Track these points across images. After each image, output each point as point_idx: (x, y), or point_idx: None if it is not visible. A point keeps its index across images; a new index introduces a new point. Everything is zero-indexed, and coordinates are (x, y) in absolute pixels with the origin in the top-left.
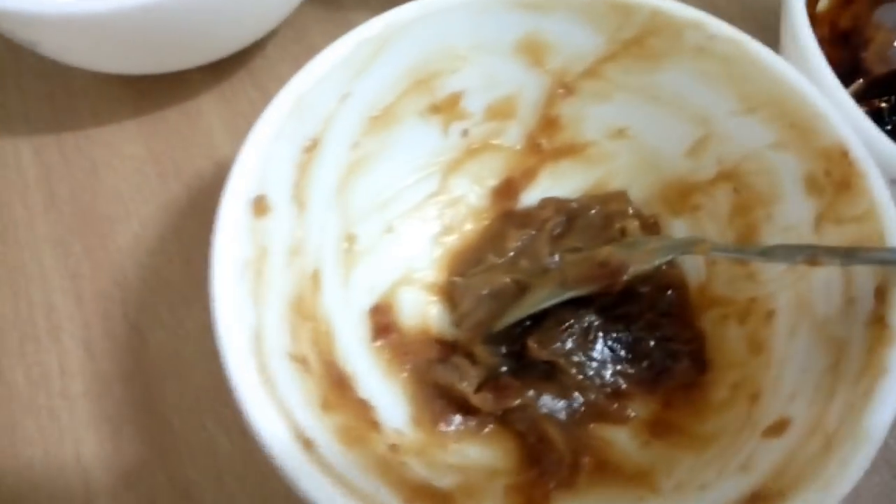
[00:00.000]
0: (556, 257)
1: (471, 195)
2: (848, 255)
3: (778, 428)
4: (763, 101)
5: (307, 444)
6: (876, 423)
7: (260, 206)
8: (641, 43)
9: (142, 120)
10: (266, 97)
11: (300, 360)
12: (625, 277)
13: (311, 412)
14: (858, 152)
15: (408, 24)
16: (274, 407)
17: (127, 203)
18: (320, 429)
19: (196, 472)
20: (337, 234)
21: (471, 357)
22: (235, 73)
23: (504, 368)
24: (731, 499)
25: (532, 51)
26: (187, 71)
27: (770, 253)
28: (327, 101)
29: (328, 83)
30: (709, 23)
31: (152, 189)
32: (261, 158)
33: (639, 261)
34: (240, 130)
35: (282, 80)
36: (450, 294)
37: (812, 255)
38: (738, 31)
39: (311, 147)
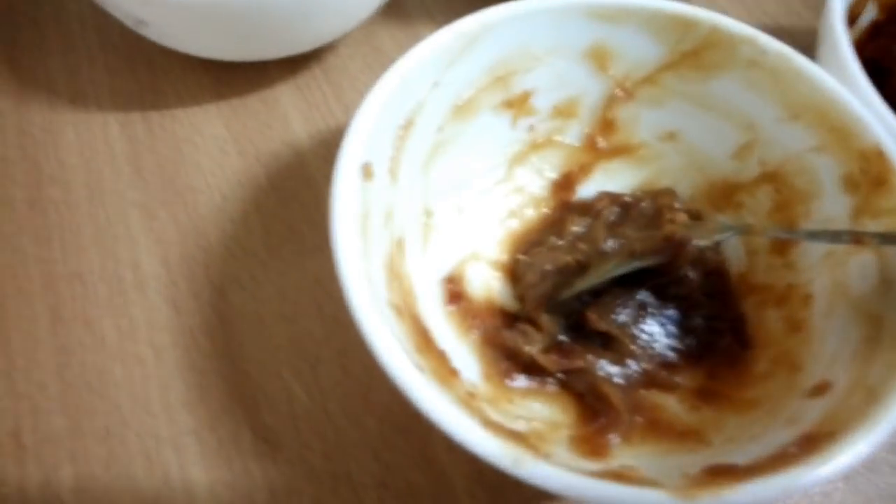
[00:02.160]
0: (611, 242)
1: (533, 185)
2: (886, 237)
3: (820, 389)
4: (806, 109)
5: (420, 368)
6: None
7: (367, 171)
8: (698, 55)
9: (222, 104)
10: (337, 92)
11: (397, 309)
12: (691, 245)
13: (410, 349)
14: (893, 152)
15: (497, 24)
16: (391, 335)
17: (208, 177)
18: (420, 364)
19: (273, 419)
20: (418, 208)
21: (534, 325)
22: (310, 69)
23: (562, 338)
24: (783, 443)
25: (599, 57)
26: (265, 63)
27: (818, 235)
28: (422, 87)
29: (425, 69)
30: (761, 39)
31: (233, 166)
32: (369, 129)
33: (700, 236)
34: (314, 119)
35: (352, 78)
36: (513, 270)
37: (855, 235)
38: (786, 47)
39: (406, 126)
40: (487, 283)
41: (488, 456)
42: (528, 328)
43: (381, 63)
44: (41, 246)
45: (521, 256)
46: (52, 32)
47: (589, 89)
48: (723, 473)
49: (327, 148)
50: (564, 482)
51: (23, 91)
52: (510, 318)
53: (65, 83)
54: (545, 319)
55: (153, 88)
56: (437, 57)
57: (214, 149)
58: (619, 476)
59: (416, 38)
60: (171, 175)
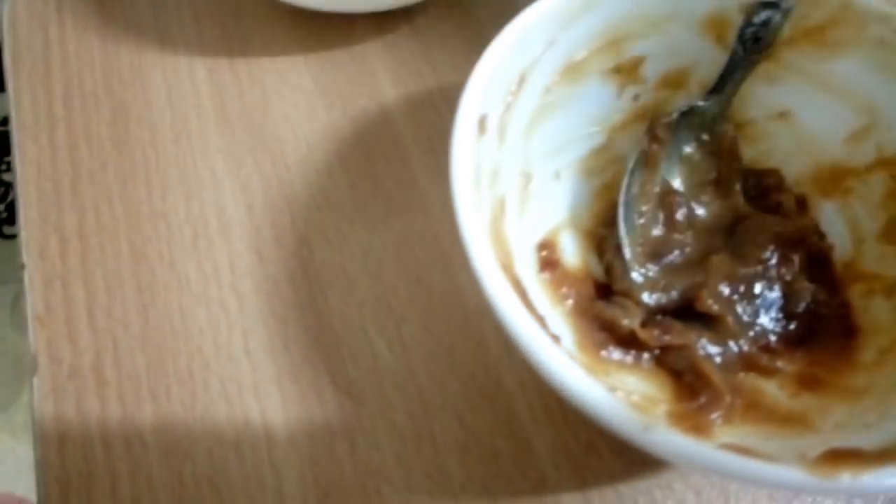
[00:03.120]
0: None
1: (631, 156)
2: None
3: None
4: None
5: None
6: None
7: (482, 126)
8: (823, 31)
9: (310, 56)
10: (426, 51)
11: (503, 267)
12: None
13: None
14: None
15: None
16: (514, 295)
17: (295, 128)
18: None
19: (356, 373)
20: (519, 170)
21: (630, 298)
22: (399, 26)
23: (659, 316)
24: None
25: (717, 27)
26: (353, 17)
27: None
28: (539, 44)
29: (544, 26)
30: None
31: (320, 119)
32: (487, 83)
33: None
34: (401, 77)
35: (441, 39)
36: (598, 244)
37: None
38: None
39: (518, 83)
40: (581, 252)
41: (615, 421)
42: (625, 301)
43: (470, 26)
44: (126, 184)
45: (602, 230)
46: None
47: (701, 60)
48: (852, 457)
49: (414, 107)
50: (695, 452)
51: (110, 31)
52: (603, 289)
53: (152, 26)
54: (633, 286)
55: (240, 36)
56: (557, 14)
57: (301, 100)
58: (743, 451)
59: (508, 3)
60: (258, 124)
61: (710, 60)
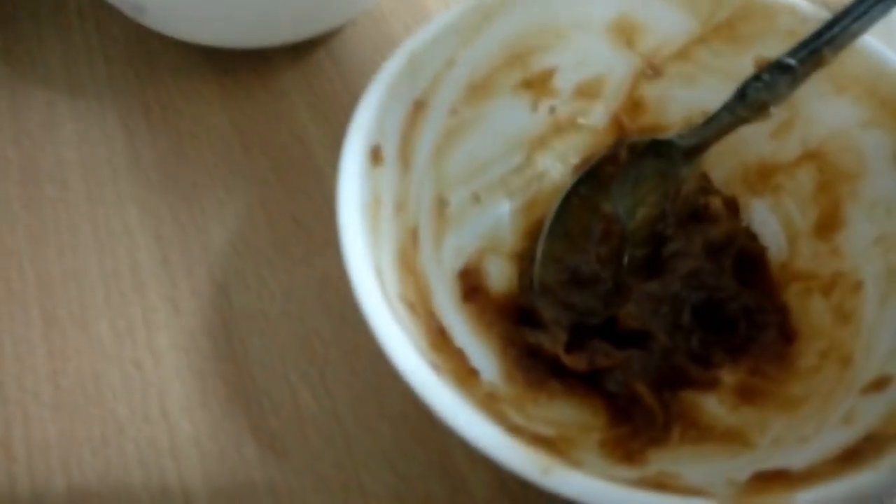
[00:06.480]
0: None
1: (554, 171)
2: None
3: (878, 384)
4: (852, 81)
5: (434, 367)
6: None
7: (376, 156)
8: (733, 26)
9: (226, 95)
10: (346, 80)
11: (410, 304)
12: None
13: (424, 348)
14: None
15: None
16: (403, 332)
17: (212, 170)
18: (435, 363)
19: (279, 425)
20: (432, 196)
21: (541, 315)
22: (316, 56)
23: (586, 334)
24: (840, 445)
25: (625, 31)
26: (270, 50)
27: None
28: (435, 64)
29: (439, 46)
30: (801, 7)
31: (237, 159)
32: (378, 110)
33: None
34: (322, 110)
35: (361, 65)
36: (520, 259)
37: None
38: (829, 14)
39: (418, 107)
40: (506, 277)
41: (513, 465)
42: (552, 324)
43: (390, 48)
44: (36, 245)
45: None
46: (50, 26)
47: (614, 67)
48: (775, 480)
49: (336, 138)
50: (599, 493)
51: (20, 86)
52: (531, 314)
53: (63, 78)
54: (543, 306)
55: (154, 81)
56: (452, 32)
57: (217, 142)
58: (659, 484)
59: (424, 19)
60: (173, 170)
61: (623, 66)
